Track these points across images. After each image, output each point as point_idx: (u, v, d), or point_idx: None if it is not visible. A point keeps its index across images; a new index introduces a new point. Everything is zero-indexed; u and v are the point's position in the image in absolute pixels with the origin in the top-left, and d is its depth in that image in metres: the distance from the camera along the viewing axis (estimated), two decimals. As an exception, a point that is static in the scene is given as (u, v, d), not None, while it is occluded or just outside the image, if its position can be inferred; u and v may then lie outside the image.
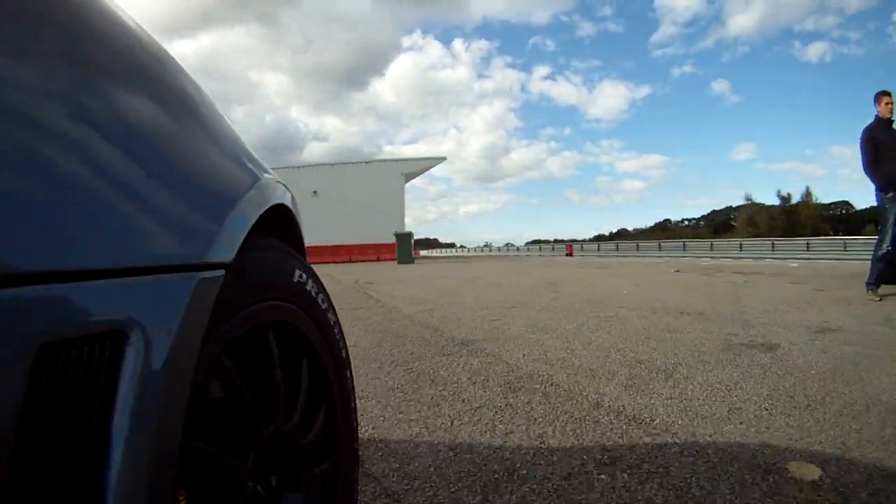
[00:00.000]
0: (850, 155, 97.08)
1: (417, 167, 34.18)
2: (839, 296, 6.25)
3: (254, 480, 0.79)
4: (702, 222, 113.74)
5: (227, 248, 0.66)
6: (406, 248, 22.14)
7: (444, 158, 36.72)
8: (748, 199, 71.80)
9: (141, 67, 0.64)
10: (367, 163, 33.78)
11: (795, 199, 69.63)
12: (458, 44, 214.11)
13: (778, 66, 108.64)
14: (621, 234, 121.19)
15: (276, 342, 0.88)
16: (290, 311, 0.93)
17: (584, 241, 63.81)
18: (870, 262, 6.30)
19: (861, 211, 74.95)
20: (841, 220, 73.49)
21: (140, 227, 0.52)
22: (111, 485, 0.44)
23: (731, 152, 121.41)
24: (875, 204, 6.32)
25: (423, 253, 70.43)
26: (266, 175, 0.93)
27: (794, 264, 14.61)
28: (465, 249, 76.78)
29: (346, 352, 1.18)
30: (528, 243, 68.99)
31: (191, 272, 0.58)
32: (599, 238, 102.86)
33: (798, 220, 64.54)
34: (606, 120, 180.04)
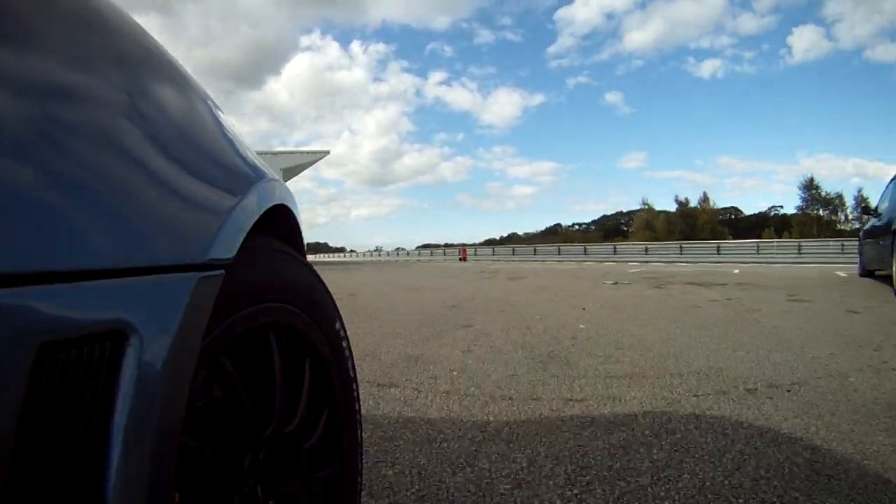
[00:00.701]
0: (741, 165, 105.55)
1: (298, 161, 30.15)
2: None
3: (251, 482, 0.79)
4: (592, 226, 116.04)
5: (227, 248, 0.66)
6: (276, 253, 18.31)
7: (327, 152, 32.77)
8: (645, 203, 72.81)
9: (141, 67, 0.63)
10: (239, 155, 29.00)
11: (690, 204, 71.27)
12: (356, 45, 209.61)
13: (671, 80, 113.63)
14: (512, 238, 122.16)
15: (276, 343, 0.88)
16: (291, 311, 0.92)
17: (476, 244, 62.28)
18: None
19: (749, 216, 79.82)
20: (731, 224, 76.78)
21: (140, 227, 0.52)
22: (111, 485, 0.44)
23: (621, 160, 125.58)
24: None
25: (309, 258, 65.80)
26: (267, 175, 0.92)
27: (736, 270, 13.22)
28: (355, 254, 73.22)
29: (353, 362, 1.15)
30: (419, 247, 66.59)
31: (191, 272, 0.57)
32: (491, 242, 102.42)
33: (696, 223, 66.13)
34: (500, 126, 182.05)
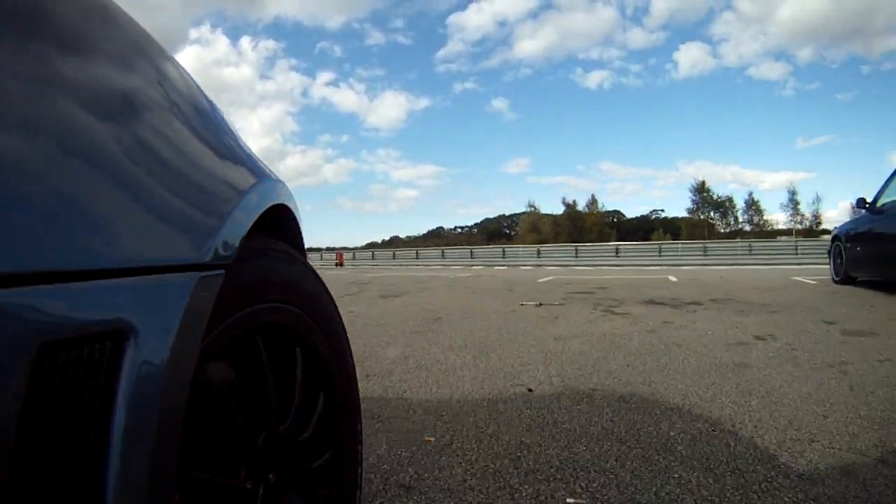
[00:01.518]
0: (622, 171, 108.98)
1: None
2: None
3: (252, 479, 0.78)
4: (475, 229, 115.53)
5: (227, 248, 0.66)
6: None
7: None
8: (531, 205, 70.72)
9: (142, 68, 0.64)
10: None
11: (578, 207, 69.50)
12: (245, 41, 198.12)
13: (558, 89, 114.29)
14: (394, 241, 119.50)
15: (274, 342, 0.88)
16: (291, 310, 0.92)
17: (356, 248, 58.76)
18: None
19: (631, 219, 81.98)
20: (614, 226, 77.51)
21: (140, 227, 0.52)
22: (111, 485, 0.43)
23: (505, 165, 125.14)
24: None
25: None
26: (267, 175, 0.93)
27: (672, 278, 10.78)
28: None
29: (351, 354, 1.16)
30: (299, 252, 61.84)
31: (191, 272, 0.57)
32: (373, 245, 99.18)
33: (584, 226, 65.43)
34: (385, 129, 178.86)
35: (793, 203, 59.36)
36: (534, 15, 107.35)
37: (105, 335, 0.44)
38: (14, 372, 0.36)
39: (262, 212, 0.81)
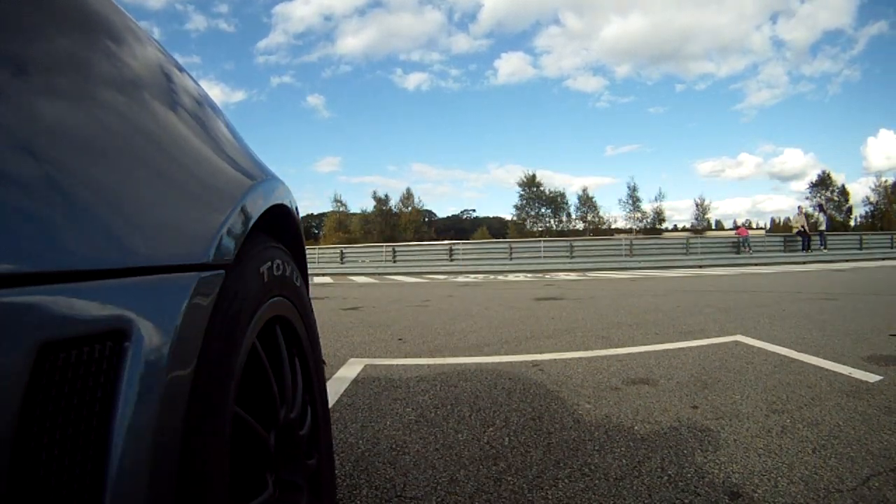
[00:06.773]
0: (434, 172, 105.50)
1: None
2: None
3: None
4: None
5: (227, 249, 0.64)
6: None
7: None
8: (339, 201, 62.07)
9: (142, 70, 0.62)
10: None
11: (391, 202, 61.80)
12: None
13: (376, 89, 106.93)
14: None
15: (272, 339, 0.88)
16: (289, 308, 0.93)
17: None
18: None
19: (443, 218, 79.63)
20: (431, 224, 72.75)
21: (141, 228, 0.50)
22: (111, 484, 0.42)
23: (316, 164, 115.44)
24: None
25: None
26: (267, 174, 0.92)
27: (514, 278, 10.49)
28: None
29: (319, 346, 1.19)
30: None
31: (191, 272, 0.56)
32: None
33: (398, 223, 58.74)
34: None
35: (632, 199, 52.82)
36: (361, 12, 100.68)
37: (105, 335, 0.43)
38: (14, 371, 0.35)
39: (261, 212, 0.81)
